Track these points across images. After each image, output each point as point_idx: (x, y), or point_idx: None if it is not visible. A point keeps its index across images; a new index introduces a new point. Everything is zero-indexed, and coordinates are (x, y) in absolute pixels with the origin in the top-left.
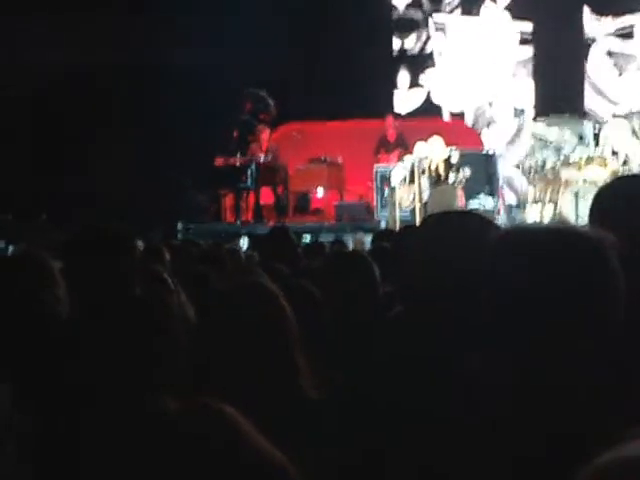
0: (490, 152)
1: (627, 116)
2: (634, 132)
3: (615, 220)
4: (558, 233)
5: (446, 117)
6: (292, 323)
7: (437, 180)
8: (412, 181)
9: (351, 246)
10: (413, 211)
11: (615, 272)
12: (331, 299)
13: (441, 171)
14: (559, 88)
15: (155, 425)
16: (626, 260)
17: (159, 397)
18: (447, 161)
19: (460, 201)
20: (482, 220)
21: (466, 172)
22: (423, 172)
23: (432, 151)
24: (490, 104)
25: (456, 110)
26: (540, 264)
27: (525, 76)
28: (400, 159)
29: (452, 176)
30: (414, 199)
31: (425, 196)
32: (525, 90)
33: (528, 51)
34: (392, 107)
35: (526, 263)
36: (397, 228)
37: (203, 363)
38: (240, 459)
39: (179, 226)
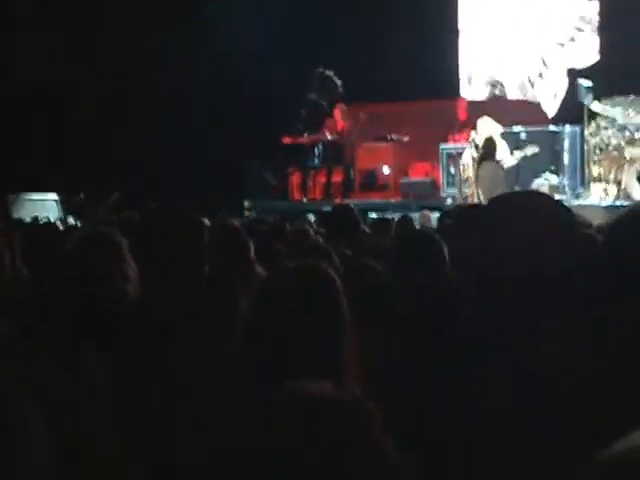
0: (556, 129)
1: None
2: None
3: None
4: None
5: (510, 95)
6: (344, 309)
7: (485, 158)
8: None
9: (417, 223)
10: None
11: None
12: (402, 280)
13: (490, 149)
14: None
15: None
16: None
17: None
18: (491, 140)
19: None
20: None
21: (528, 150)
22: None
23: (484, 130)
24: (540, 75)
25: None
26: None
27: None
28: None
29: (503, 155)
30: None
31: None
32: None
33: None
34: (458, 89)
35: None
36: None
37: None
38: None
39: (245, 204)
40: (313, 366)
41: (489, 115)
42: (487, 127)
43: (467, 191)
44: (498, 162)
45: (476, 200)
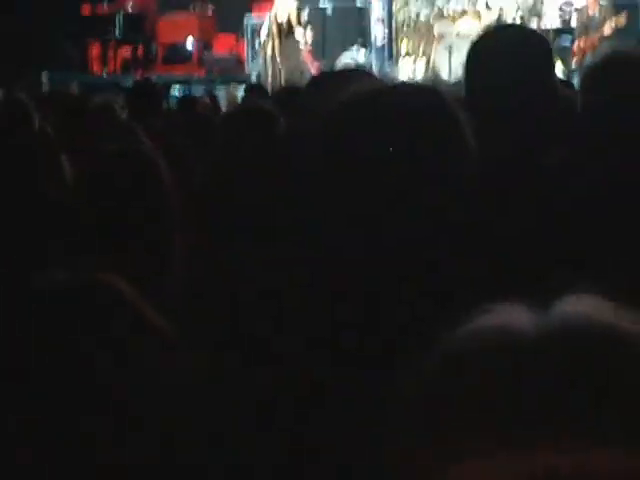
0: (363, 5)
1: None
2: None
3: (491, 71)
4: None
5: None
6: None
7: (287, 35)
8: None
9: (223, 100)
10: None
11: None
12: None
13: (291, 25)
14: None
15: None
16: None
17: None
18: (298, 15)
19: (307, 59)
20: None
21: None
22: (278, 26)
23: (285, 3)
24: None
25: None
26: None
27: None
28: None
29: (299, 32)
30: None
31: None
32: None
33: None
34: None
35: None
36: (269, 82)
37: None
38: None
39: (44, 77)
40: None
41: None
42: (286, 1)
43: (270, 66)
44: (297, 39)
45: (277, 79)
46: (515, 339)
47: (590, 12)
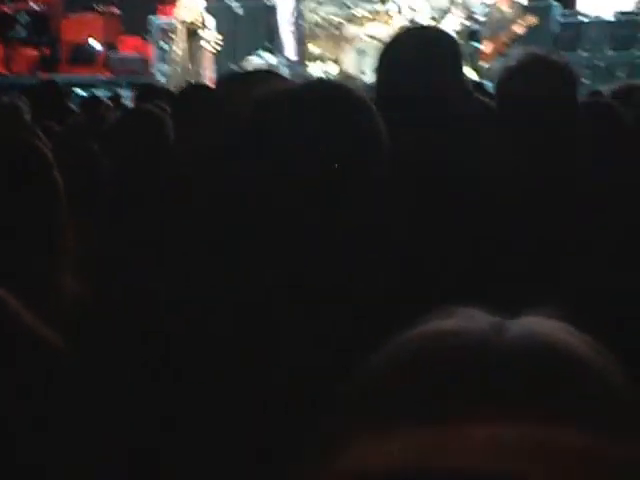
0: (270, 3)
1: None
2: None
3: (404, 72)
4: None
5: None
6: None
7: (193, 36)
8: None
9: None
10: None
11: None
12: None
13: (196, 26)
14: None
15: None
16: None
17: None
18: (202, 16)
19: (206, 63)
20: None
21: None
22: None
23: (189, 5)
24: None
25: None
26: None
27: None
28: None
29: (204, 34)
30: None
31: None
32: None
33: None
34: None
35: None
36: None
37: None
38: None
39: None
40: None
41: None
42: (189, 2)
43: (177, 68)
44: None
45: (187, 78)
46: (468, 342)
47: (503, 9)
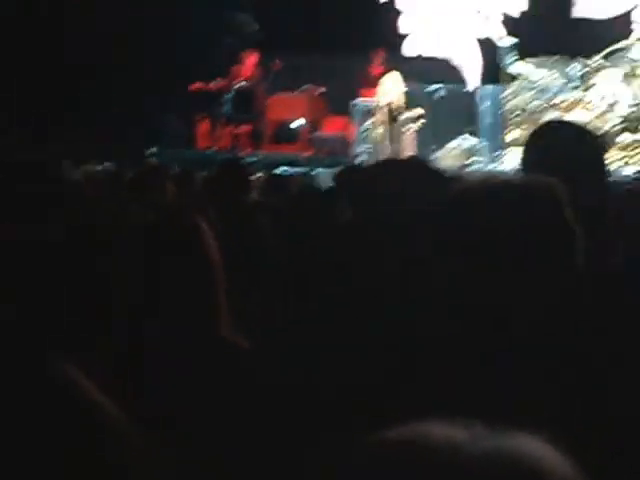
0: (471, 89)
1: (617, 59)
2: (625, 76)
3: (548, 169)
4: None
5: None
6: (215, 260)
7: (395, 117)
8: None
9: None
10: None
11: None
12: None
13: (400, 107)
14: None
15: None
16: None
17: None
18: (405, 100)
19: (408, 142)
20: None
21: (417, 110)
22: (388, 109)
23: (394, 87)
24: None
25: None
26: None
27: None
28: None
29: (406, 117)
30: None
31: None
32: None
33: None
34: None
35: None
36: None
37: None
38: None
39: (152, 151)
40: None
41: (402, 71)
42: (391, 85)
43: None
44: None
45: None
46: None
47: None
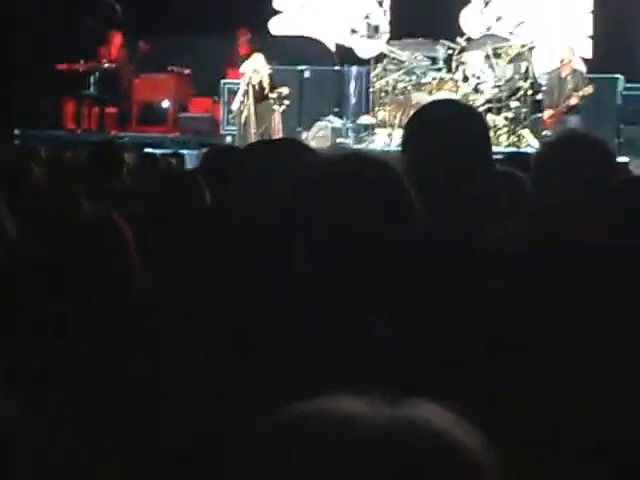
0: (341, 69)
1: (481, 40)
2: (487, 57)
3: (421, 144)
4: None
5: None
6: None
7: (261, 98)
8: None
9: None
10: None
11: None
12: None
13: (264, 88)
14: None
15: None
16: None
17: None
18: (271, 79)
19: (275, 123)
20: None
21: (283, 89)
22: (253, 90)
23: (258, 68)
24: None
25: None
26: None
27: None
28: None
29: (273, 96)
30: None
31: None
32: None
33: None
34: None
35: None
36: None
37: None
38: None
39: (16, 132)
40: None
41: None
42: (256, 66)
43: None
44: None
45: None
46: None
47: (562, 75)
